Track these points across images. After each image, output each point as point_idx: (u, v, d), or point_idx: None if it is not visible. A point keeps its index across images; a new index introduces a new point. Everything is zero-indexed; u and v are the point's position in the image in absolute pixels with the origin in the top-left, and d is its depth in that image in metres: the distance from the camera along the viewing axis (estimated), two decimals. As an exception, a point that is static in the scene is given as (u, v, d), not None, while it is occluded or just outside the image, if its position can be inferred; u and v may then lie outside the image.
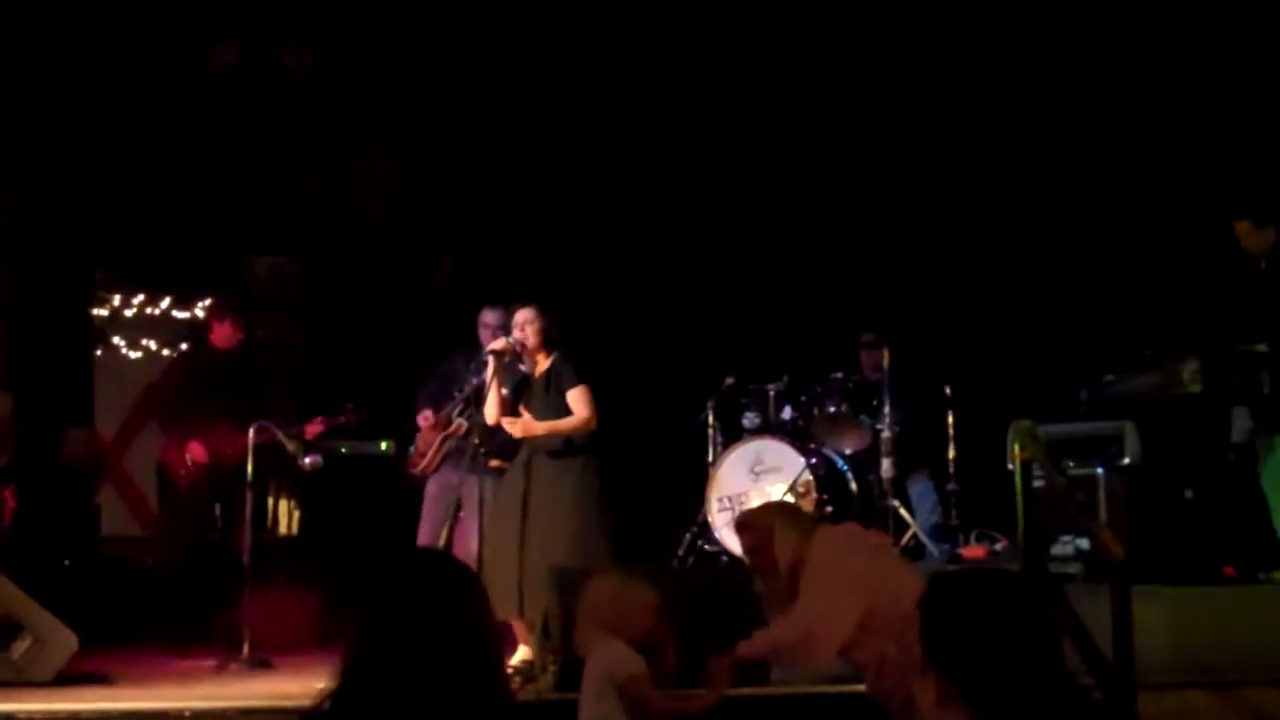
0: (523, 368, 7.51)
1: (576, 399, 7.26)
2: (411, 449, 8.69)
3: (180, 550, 8.98)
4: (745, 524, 5.63)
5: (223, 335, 9.08)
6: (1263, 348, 7.21)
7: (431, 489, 8.49)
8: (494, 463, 7.66)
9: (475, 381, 8.01)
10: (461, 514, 8.33)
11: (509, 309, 8.07)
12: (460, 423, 8.34)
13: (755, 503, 9.06)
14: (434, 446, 8.44)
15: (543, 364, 7.42)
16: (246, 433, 8.34)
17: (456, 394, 8.38)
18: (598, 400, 7.28)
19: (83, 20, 9.95)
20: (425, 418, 8.64)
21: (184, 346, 10.32)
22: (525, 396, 7.44)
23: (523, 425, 7.27)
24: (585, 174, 11.12)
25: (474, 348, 8.37)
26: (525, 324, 7.39)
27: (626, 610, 4.84)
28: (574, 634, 4.97)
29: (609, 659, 4.77)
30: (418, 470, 8.53)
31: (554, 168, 11.12)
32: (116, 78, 10.29)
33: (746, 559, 5.61)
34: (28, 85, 9.99)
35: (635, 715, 4.72)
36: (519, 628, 7.16)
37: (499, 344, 7.41)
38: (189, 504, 8.92)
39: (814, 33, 10.47)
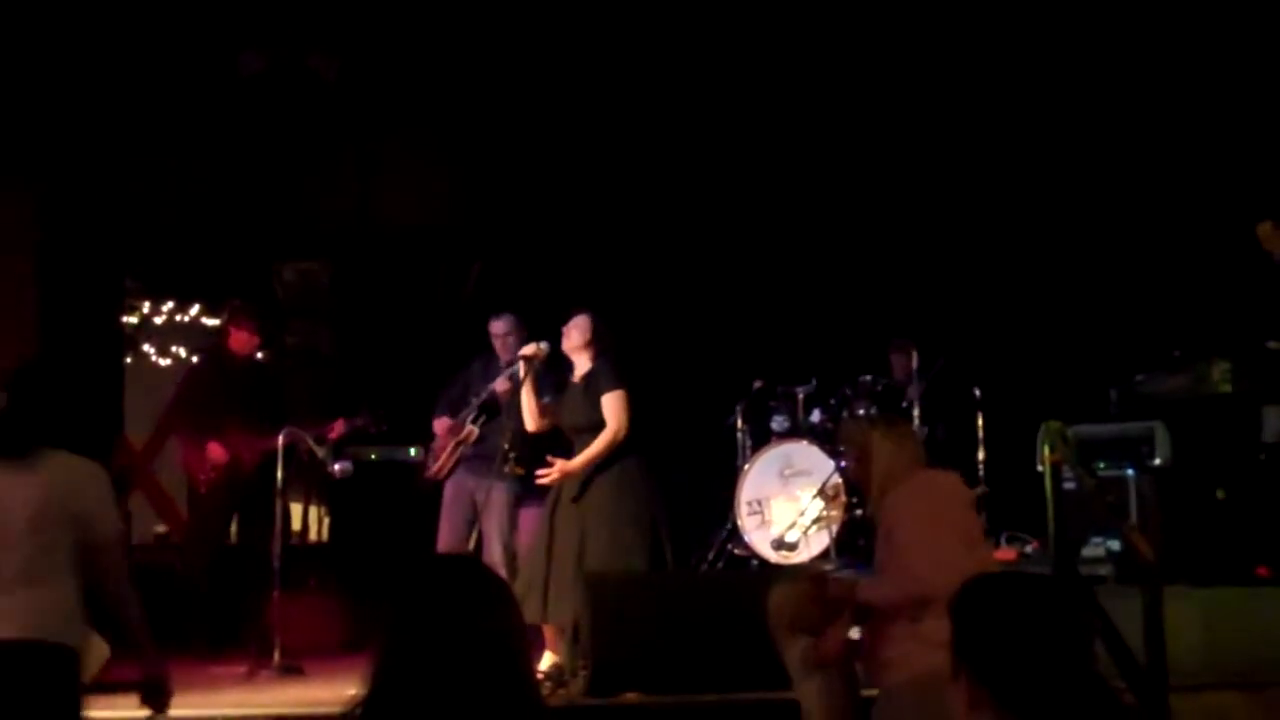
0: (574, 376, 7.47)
1: (608, 404, 7.18)
2: (429, 453, 8.71)
3: (204, 555, 9.01)
4: (844, 438, 5.77)
5: (241, 341, 9.07)
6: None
7: (448, 492, 8.50)
8: (518, 469, 7.66)
9: (491, 388, 8.15)
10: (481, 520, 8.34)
11: (517, 317, 8.24)
12: (472, 429, 8.36)
13: (784, 505, 9.10)
14: (446, 451, 8.45)
15: (585, 366, 7.39)
16: (264, 438, 8.37)
17: (473, 399, 8.42)
18: (633, 406, 7.21)
19: (111, 28, 9.99)
20: (441, 423, 8.67)
21: (202, 353, 10.25)
22: (565, 398, 7.42)
23: (559, 469, 7.18)
24: (614, 178, 11.11)
25: (491, 356, 8.43)
26: (574, 325, 7.36)
27: (802, 608, 5.41)
28: (773, 640, 5.50)
29: (798, 653, 5.39)
30: (430, 475, 8.55)
31: (583, 172, 11.11)
32: (144, 85, 10.32)
33: (853, 477, 5.81)
34: (55, 93, 10.03)
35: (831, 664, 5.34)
36: (548, 633, 7.15)
37: (529, 349, 7.40)
38: (211, 508, 8.94)
39: (845, 39, 10.45)
